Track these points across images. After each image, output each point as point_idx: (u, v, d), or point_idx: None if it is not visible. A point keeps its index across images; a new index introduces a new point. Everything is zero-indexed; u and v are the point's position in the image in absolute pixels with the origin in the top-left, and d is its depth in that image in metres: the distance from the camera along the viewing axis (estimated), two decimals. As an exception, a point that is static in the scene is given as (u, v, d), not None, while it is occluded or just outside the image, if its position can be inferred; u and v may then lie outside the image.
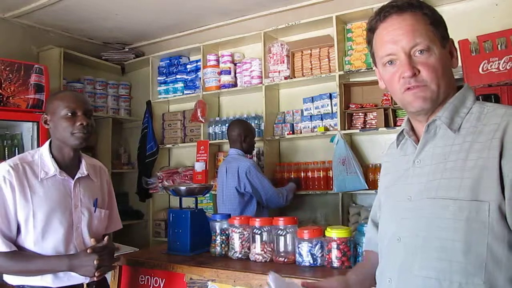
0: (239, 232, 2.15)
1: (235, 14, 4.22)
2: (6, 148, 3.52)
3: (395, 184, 1.23)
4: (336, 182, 3.48)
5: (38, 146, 3.34)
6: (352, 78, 3.75)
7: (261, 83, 4.00)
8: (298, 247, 1.94)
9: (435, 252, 1.05)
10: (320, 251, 1.91)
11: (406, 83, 1.10)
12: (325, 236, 1.92)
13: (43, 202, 1.75)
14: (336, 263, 1.85)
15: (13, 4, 3.87)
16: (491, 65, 2.84)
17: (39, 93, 3.54)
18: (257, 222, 2.10)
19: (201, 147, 4.21)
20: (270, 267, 1.92)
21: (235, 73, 4.27)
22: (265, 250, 2.06)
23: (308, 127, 3.82)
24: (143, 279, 2.18)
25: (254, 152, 3.73)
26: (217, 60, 4.33)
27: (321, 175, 3.73)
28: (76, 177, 1.87)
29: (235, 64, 4.30)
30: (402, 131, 1.23)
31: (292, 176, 3.84)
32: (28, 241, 1.74)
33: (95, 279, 1.74)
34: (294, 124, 3.94)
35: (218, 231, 2.24)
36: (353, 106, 3.63)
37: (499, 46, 2.85)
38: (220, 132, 4.24)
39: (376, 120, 3.50)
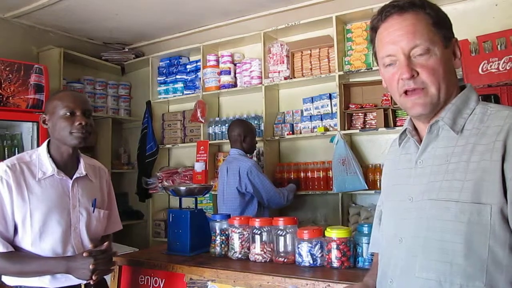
0: (238, 232, 2.15)
1: (235, 14, 4.22)
2: (6, 148, 3.51)
3: (396, 183, 1.23)
4: (336, 182, 3.48)
5: (38, 146, 3.33)
6: (352, 78, 3.75)
7: (261, 83, 4.00)
8: (298, 247, 1.94)
9: (436, 254, 1.05)
10: (320, 251, 1.91)
11: (404, 85, 1.10)
12: (325, 236, 1.92)
13: (41, 202, 1.74)
14: (335, 263, 1.85)
15: (13, 4, 3.87)
16: (490, 66, 2.84)
17: (39, 93, 3.54)
18: (256, 222, 2.10)
19: (201, 147, 4.21)
20: (270, 267, 1.92)
21: (235, 73, 4.28)
22: (265, 250, 2.06)
23: (308, 127, 3.82)
24: (143, 279, 2.18)
25: (254, 152, 3.73)
26: (217, 60, 4.33)
27: (321, 175, 3.74)
28: (74, 177, 1.86)
29: (235, 65, 4.30)
30: (405, 130, 1.23)
31: (292, 176, 3.84)
32: (26, 241, 1.73)
33: (91, 282, 1.71)
34: (294, 124, 3.94)
35: (218, 231, 2.24)
36: (353, 106, 3.63)
37: (498, 46, 2.85)
38: (220, 132, 4.24)
39: (376, 120, 3.51)
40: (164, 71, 4.76)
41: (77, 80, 4.60)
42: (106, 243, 1.76)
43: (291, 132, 3.91)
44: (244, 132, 3.37)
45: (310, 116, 3.83)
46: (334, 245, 1.86)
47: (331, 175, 3.63)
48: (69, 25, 4.39)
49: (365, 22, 3.60)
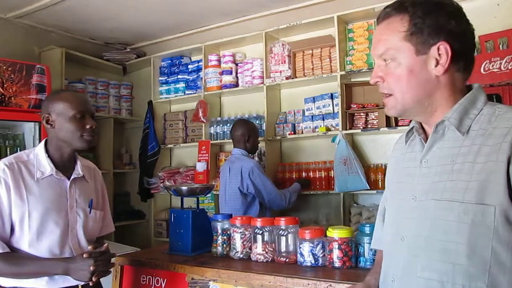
0: (240, 232, 2.15)
1: (236, 14, 4.22)
2: (8, 148, 3.52)
3: (400, 181, 1.23)
4: (338, 182, 3.48)
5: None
6: (353, 78, 3.75)
7: (263, 83, 4.00)
8: (300, 247, 1.94)
9: (438, 254, 1.04)
10: (321, 251, 1.91)
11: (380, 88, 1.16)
12: (326, 236, 1.92)
13: (39, 202, 1.73)
14: (337, 263, 1.85)
15: (15, 5, 3.88)
16: (492, 65, 2.84)
17: (41, 93, 3.55)
18: (258, 222, 2.10)
19: (203, 147, 4.21)
20: (271, 267, 1.92)
21: (236, 73, 4.28)
22: (266, 250, 2.06)
23: (310, 127, 3.82)
24: (145, 279, 2.18)
25: (256, 152, 3.73)
26: (219, 60, 4.34)
27: (323, 175, 3.73)
28: (72, 177, 1.85)
29: (236, 64, 4.30)
30: (412, 128, 1.22)
31: (294, 176, 3.84)
32: (23, 242, 1.71)
33: (90, 284, 1.70)
34: (296, 124, 3.94)
35: (219, 231, 2.24)
36: (355, 106, 3.63)
37: (500, 46, 2.85)
38: (221, 132, 4.24)
39: (377, 120, 3.50)
40: (166, 71, 4.76)
41: (79, 80, 4.61)
42: (105, 245, 1.74)
43: (292, 132, 3.91)
44: (248, 132, 3.37)
45: (312, 116, 3.83)
46: (335, 245, 1.86)
47: (332, 175, 3.62)
48: (71, 25, 4.40)
49: (366, 22, 3.60)
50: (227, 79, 4.24)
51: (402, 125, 3.34)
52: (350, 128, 3.61)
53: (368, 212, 3.39)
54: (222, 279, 1.92)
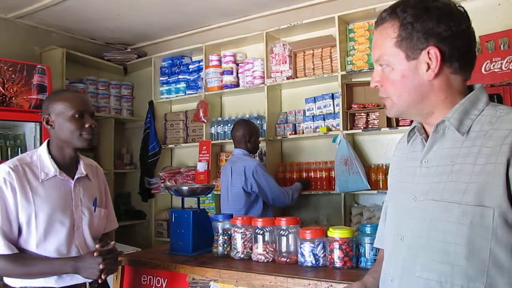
0: (241, 232, 2.15)
1: (237, 14, 4.23)
2: (9, 148, 3.52)
3: (401, 181, 1.23)
4: (339, 182, 3.48)
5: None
6: (354, 78, 3.74)
7: (263, 83, 4.00)
8: (300, 247, 1.94)
9: (437, 254, 1.04)
10: (322, 251, 1.91)
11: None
12: (327, 236, 1.92)
13: (45, 203, 1.75)
14: (338, 263, 1.85)
15: (15, 5, 3.88)
16: (493, 65, 2.84)
17: (41, 94, 3.55)
18: (259, 222, 2.10)
19: (203, 147, 4.21)
20: (272, 267, 1.92)
21: (237, 73, 4.28)
22: (267, 250, 2.06)
23: (310, 127, 3.82)
24: (145, 279, 2.18)
25: (257, 152, 3.73)
26: (219, 60, 4.34)
27: (323, 175, 3.73)
28: (76, 177, 1.87)
29: (237, 64, 4.30)
30: (414, 128, 1.23)
31: (295, 176, 3.84)
32: (31, 242, 1.74)
33: (99, 281, 1.73)
34: (296, 124, 3.94)
35: (220, 231, 2.24)
36: (355, 106, 3.62)
37: (501, 46, 2.85)
38: (222, 132, 4.24)
39: (378, 120, 3.50)
40: (167, 71, 4.76)
41: (80, 80, 4.61)
42: (112, 242, 1.78)
43: (293, 132, 3.91)
44: (249, 133, 3.37)
45: (313, 116, 3.83)
46: (336, 245, 1.86)
47: (333, 175, 3.62)
48: (72, 26, 4.41)
49: (367, 22, 3.60)
50: (228, 79, 4.24)
51: (403, 125, 3.34)
52: (351, 128, 3.60)
53: (369, 212, 3.39)
54: (223, 279, 1.92)
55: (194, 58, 4.75)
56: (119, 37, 4.82)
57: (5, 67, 3.40)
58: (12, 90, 3.43)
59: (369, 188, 3.42)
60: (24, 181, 1.75)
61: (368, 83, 3.57)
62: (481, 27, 3.07)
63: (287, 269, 1.88)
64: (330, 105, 3.74)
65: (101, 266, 1.66)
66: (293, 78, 3.88)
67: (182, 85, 4.62)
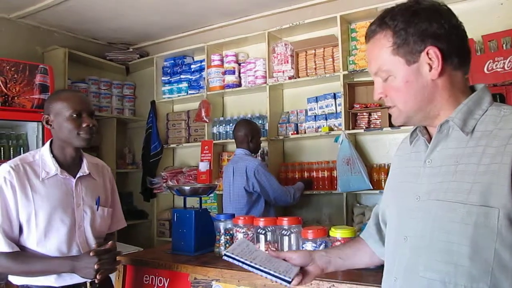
0: (243, 232, 2.14)
1: (239, 14, 4.23)
2: (12, 148, 3.53)
3: (404, 181, 1.22)
4: (341, 182, 3.48)
5: (43, 146, 3.36)
6: (356, 78, 3.74)
7: (265, 83, 4.00)
8: (303, 247, 1.94)
9: (440, 254, 1.04)
10: (324, 251, 1.90)
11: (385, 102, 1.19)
12: (329, 236, 1.91)
13: (45, 201, 1.76)
14: (340, 263, 1.84)
15: (18, 5, 3.89)
16: (496, 65, 2.84)
17: (44, 93, 3.56)
18: (261, 222, 2.09)
19: (205, 147, 4.21)
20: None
21: (239, 73, 4.28)
22: (269, 250, 2.05)
23: (312, 127, 3.82)
24: (148, 279, 2.18)
25: (259, 152, 3.73)
26: (221, 60, 4.34)
27: (326, 175, 3.73)
28: (78, 176, 1.87)
29: (239, 64, 4.30)
30: (416, 129, 1.23)
31: (297, 176, 3.84)
32: (31, 241, 1.74)
33: (96, 281, 1.73)
34: (298, 124, 3.94)
35: (222, 231, 2.24)
36: (358, 106, 3.62)
37: (504, 45, 2.84)
38: (224, 132, 4.24)
39: (380, 120, 3.50)
40: (169, 71, 4.76)
41: (82, 80, 4.62)
42: (110, 242, 1.76)
43: (295, 132, 3.90)
44: (251, 133, 3.37)
45: (315, 116, 3.83)
46: (338, 245, 1.86)
47: (335, 175, 3.62)
48: (74, 25, 4.41)
49: (369, 21, 3.59)
50: (230, 79, 4.24)
51: (405, 125, 3.32)
52: (353, 128, 3.60)
53: (371, 212, 3.36)
54: (225, 279, 1.92)
55: (196, 58, 4.75)
56: (121, 37, 4.83)
57: (8, 67, 3.41)
58: (15, 90, 3.44)
59: (371, 188, 3.41)
60: (25, 179, 1.75)
61: (370, 83, 3.60)
62: (483, 26, 3.07)
63: (289, 269, 1.88)
64: (332, 104, 3.74)
65: (96, 266, 1.65)
66: (295, 78, 3.88)
67: (184, 85, 4.62)
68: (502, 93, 2.82)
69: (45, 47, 4.35)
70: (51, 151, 1.85)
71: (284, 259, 1.39)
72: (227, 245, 2.21)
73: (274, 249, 2.05)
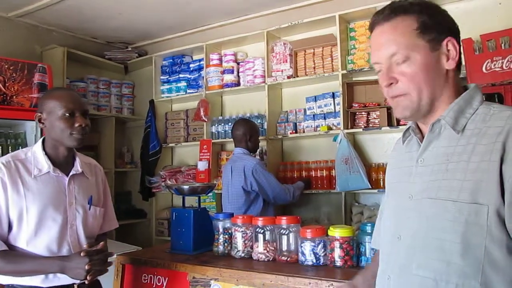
0: (242, 231, 2.15)
1: (238, 13, 4.23)
2: (10, 147, 3.52)
3: (398, 181, 1.24)
4: (339, 181, 3.48)
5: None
6: (355, 77, 3.74)
7: (264, 82, 4.00)
8: (301, 246, 1.94)
9: (433, 252, 1.05)
10: (323, 250, 1.91)
11: (389, 92, 1.14)
12: (328, 235, 1.92)
13: (37, 199, 1.73)
14: (339, 262, 1.85)
15: (16, 4, 3.89)
16: (494, 64, 2.84)
17: (42, 92, 3.55)
18: (259, 221, 2.10)
19: (204, 146, 4.21)
20: (272, 266, 1.93)
21: (238, 72, 4.27)
22: (267, 249, 2.06)
23: (311, 126, 3.82)
24: (146, 278, 2.18)
25: (257, 151, 3.73)
26: (220, 59, 4.33)
27: (324, 174, 3.73)
28: (70, 174, 1.85)
29: (238, 63, 4.30)
30: (409, 128, 1.23)
31: (296, 175, 3.84)
32: (21, 239, 1.71)
33: (86, 282, 1.69)
34: (297, 123, 3.94)
35: (221, 230, 2.24)
36: (356, 105, 3.62)
37: (502, 45, 2.84)
38: (223, 131, 4.24)
39: (379, 119, 3.50)
40: (167, 70, 4.76)
41: (81, 79, 4.61)
42: (101, 243, 1.73)
43: (294, 131, 3.90)
44: (249, 132, 3.37)
45: (313, 115, 3.83)
46: (337, 244, 1.86)
47: (334, 174, 3.62)
48: (73, 24, 4.41)
49: (368, 20, 3.55)
50: (229, 78, 4.24)
51: (403, 124, 3.33)
52: (352, 127, 3.60)
53: (369, 211, 3.39)
54: (224, 278, 1.93)
55: (195, 57, 4.75)
56: (120, 36, 4.82)
57: (6, 66, 3.40)
58: (13, 89, 3.43)
59: (370, 187, 3.41)
60: (16, 176, 1.73)
61: (369, 82, 3.61)
62: (482, 26, 3.08)
63: (287, 268, 1.89)
64: (330, 104, 3.74)
65: (87, 267, 1.62)
66: (294, 77, 3.88)
67: (182, 84, 4.62)
68: (501, 93, 2.82)
69: (44, 46, 4.35)
70: (44, 149, 1.83)
71: None
72: (225, 244, 2.22)
73: (274, 249, 2.06)
